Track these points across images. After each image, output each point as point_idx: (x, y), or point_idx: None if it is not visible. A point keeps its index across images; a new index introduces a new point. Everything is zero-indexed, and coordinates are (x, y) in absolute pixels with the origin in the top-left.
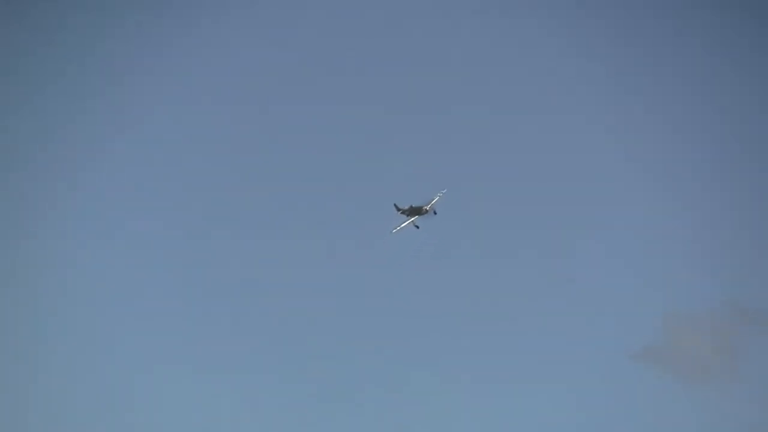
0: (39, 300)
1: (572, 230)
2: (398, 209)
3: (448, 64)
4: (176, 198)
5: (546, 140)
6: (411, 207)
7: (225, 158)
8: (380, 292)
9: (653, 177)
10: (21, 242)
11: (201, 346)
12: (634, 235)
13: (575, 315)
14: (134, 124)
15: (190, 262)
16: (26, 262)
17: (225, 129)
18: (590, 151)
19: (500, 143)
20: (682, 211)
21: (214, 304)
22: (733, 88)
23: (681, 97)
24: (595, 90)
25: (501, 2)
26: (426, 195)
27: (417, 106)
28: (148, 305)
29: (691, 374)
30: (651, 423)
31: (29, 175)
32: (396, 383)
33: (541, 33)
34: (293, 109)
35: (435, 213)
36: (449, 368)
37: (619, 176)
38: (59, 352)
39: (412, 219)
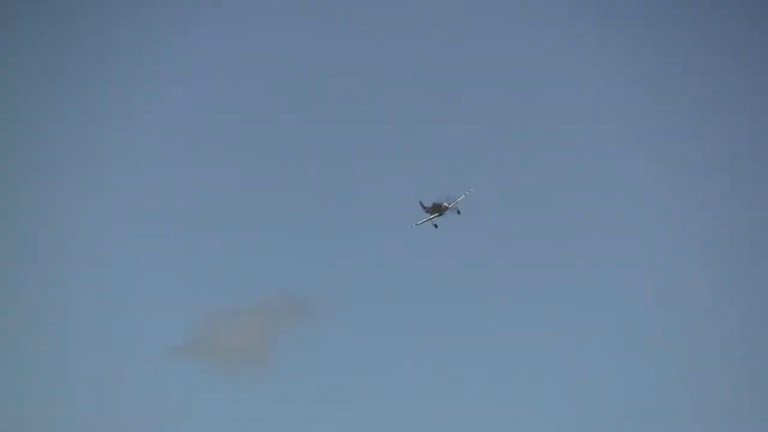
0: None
1: None
2: (423, 207)
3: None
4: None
5: None
6: (433, 204)
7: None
8: None
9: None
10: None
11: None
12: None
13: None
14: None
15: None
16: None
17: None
18: None
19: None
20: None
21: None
22: None
23: None
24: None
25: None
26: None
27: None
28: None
29: (229, 367)
30: (188, 415)
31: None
32: None
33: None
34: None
35: (459, 212)
36: None
37: None
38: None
39: (432, 216)
